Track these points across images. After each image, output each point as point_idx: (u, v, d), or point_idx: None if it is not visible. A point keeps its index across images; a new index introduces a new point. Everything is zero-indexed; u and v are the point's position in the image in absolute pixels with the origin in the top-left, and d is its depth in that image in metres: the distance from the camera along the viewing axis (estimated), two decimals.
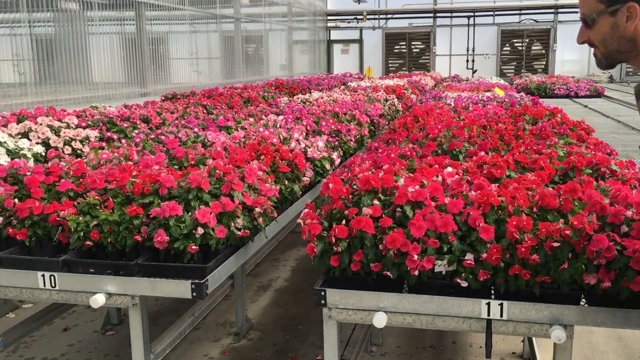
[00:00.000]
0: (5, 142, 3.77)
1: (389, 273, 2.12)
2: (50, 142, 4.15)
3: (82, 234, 2.46)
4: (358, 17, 22.87)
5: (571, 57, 21.97)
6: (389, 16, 23.13)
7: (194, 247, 2.35)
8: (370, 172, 2.51)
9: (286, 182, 3.21)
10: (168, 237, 2.36)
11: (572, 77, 17.18)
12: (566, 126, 4.08)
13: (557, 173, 2.78)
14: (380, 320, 2.15)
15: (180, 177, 2.67)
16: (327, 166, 3.72)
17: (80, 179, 2.79)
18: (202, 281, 2.30)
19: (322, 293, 2.22)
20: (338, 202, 2.32)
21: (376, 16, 23.03)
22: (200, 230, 2.36)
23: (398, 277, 2.13)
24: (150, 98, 7.76)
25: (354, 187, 2.42)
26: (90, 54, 8.62)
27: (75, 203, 2.58)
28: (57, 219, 2.52)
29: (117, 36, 9.49)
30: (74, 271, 2.47)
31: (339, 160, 4.04)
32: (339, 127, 4.56)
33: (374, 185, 2.32)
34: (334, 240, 2.20)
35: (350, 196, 2.37)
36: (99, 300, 2.38)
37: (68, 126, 4.50)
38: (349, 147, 4.48)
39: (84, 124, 4.69)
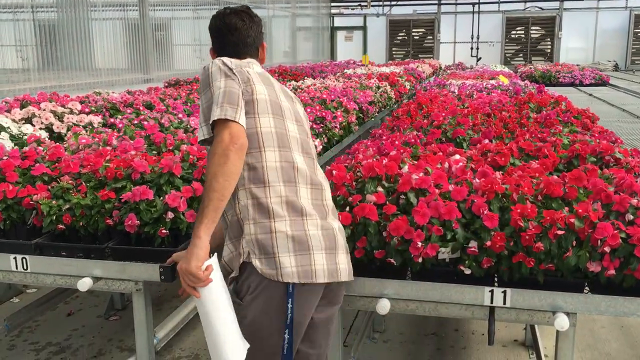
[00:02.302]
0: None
1: (392, 260, 2.12)
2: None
3: (54, 217, 2.48)
4: (362, 3, 22.70)
5: (576, 45, 21.79)
6: (393, 3, 22.99)
7: (164, 231, 2.37)
8: (374, 159, 2.51)
9: None
10: (138, 221, 2.38)
11: (577, 65, 17.08)
12: (571, 114, 4.06)
13: (561, 161, 2.77)
14: (383, 307, 2.15)
15: (155, 162, 2.68)
16: None
17: (56, 164, 2.80)
18: (170, 265, 2.28)
19: None
20: (342, 189, 2.32)
21: (380, 3, 22.89)
22: (170, 215, 2.37)
23: (402, 264, 2.13)
24: (153, 84, 7.74)
25: (358, 174, 2.41)
26: (93, 40, 8.59)
27: (49, 187, 2.60)
28: (31, 202, 2.54)
29: (120, 22, 9.44)
30: (46, 254, 2.49)
31: (321, 146, 4.16)
32: (324, 113, 4.59)
33: (377, 172, 2.32)
34: None
35: (354, 183, 2.36)
36: (86, 282, 2.39)
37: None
38: (333, 133, 4.58)
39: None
